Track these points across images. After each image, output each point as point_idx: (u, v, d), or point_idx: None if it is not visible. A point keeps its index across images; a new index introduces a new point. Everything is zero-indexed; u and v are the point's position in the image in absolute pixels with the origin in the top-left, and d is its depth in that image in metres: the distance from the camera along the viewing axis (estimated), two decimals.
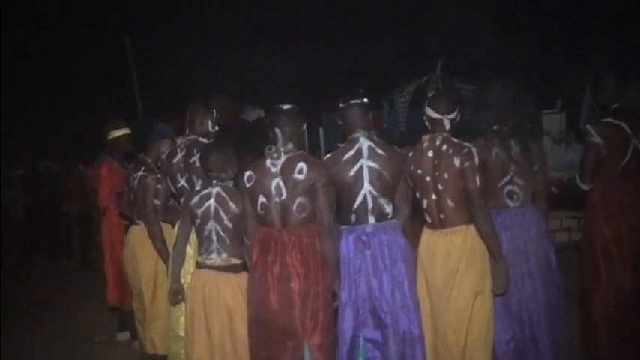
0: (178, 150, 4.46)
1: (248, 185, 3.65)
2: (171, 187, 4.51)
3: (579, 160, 4.33)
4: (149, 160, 4.80)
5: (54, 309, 7.78)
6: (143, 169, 4.73)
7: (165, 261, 4.40)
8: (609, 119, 4.18)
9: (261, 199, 3.60)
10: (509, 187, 3.89)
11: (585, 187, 4.22)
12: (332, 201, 3.61)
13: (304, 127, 3.78)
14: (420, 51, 13.09)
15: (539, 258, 3.88)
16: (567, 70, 8.79)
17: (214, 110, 4.55)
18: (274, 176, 3.58)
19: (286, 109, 3.68)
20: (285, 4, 14.70)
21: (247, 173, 3.66)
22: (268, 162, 3.62)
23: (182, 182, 4.43)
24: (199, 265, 3.89)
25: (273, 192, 3.57)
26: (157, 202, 4.53)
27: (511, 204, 3.90)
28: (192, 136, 4.46)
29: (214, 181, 3.90)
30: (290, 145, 3.64)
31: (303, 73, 14.28)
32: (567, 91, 7.76)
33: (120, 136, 5.85)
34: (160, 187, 4.54)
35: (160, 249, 4.49)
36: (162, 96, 14.15)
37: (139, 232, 4.83)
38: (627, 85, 4.41)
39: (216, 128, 4.54)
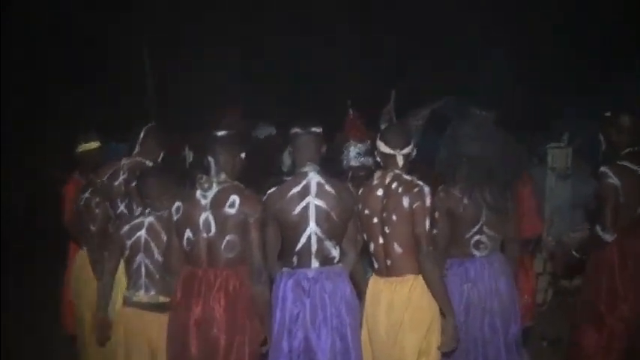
0: (121, 172, 4.17)
1: (176, 217, 3.33)
2: (110, 211, 4.21)
3: (597, 208, 3.95)
4: (98, 181, 4.46)
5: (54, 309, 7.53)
6: (90, 190, 4.43)
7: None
8: (626, 163, 3.79)
9: (188, 233, 3.28)
10: (477, 237, 3.55)
11: (609, 238, 3.76)
12: (272, 240, 3.33)
13: (242, 155, 3.44)
14: (439, 73, 12.74)
15: (506, 314, 3.52)
16: (576, 103, 8.34)
17: (165, 138, 4.39)
18: (203, 209, 3.26)
19: (220, 136, 3.37)
20: (305, 27, 14.48)
21: (176, 204, 3.35)
22: (198, 193, 3.30)
23: (122, 207, 4.13)
24: (125, 302, 3.59)
25: (201, 226, 3.25)
26: (92, 227, 4.24)
27: (478, 253, 3.55)
28: (139, 158, 4.19)
29: (147, 210, 3.60)
30: (223, 175, 3.32)
31: (317, 93, 14.02)
32: (575, 125, 7.29)
33: (90, 150, 5.48)
34: (97, 211, 4.25)
35: (98, 277, 4.13)
36: (176, 109, 13.98)
37: (84, 257, 4.51)
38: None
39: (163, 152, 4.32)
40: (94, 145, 5.36)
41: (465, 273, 3.50)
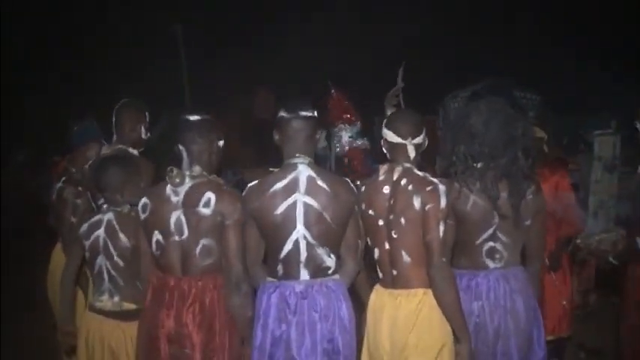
0: None
1: (143, 216, 2.85)
2: (92, 203, 3.75)
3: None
4: (73, 170, 4.03)
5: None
6: (63, 179, 3.99)
7: (83, 288, 3.63)
8: None
9: (157, 235, 2.80)
10: (490, 244, 2.90)
11: None
12: (253, 243, 2.83)
13: (220, 143, 2.94)
14: (479, 54, 12.13)
15: (523, 339, 2.89)
16: (626, 87, 7.65)
17: (146, 113, 3.80)
18: (175, 207, 2.78)
19: (193, 122, 2.86)
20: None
21: (142, 201, 2.87)
22: (169, 188, 2.81)
23: (103, 200, 3.64)
24: (89, 307, 3.16)
25: (172, 228, 2.77)
26: (73, 219, 3.78)
27: (491, 264, 2.91)
28: (120, 146, 3.70)
29: (105, 206, 3.15)
30: (197, 168, 2.82)
31: (354, 72, 13.49)
32: (625, 111, 6.64)
33: None
34: (79, 201, 3.82)
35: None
36: (211, 87, 13.67)
37: (60, 252, 4.07)
38: None
39: (148, 135, 3.79)
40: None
41: (476, 289, 2.90)
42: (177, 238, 2.76)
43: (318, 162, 3.13)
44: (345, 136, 4.42)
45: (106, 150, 3.73)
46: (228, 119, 11.31)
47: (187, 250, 2.75)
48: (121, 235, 3.03)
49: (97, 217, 3.13)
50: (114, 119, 3.74)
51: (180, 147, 2.84)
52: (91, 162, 3.78)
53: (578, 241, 3.83)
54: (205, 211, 2.72)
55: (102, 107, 4.20)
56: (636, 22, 10.85)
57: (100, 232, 3.07)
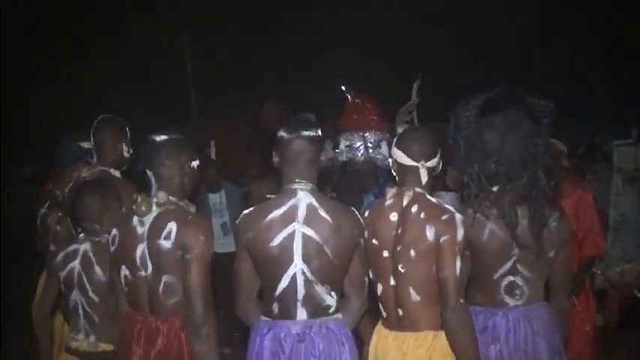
0: None
1: (112, 249, 2.57)
2: (72, 230, 3.42)
3: None
4: (57, 193, 3.68)
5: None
6: (48, 204, 3.70)
7: (66, 317, 3.32)
8: None
9: (124, 270, 2.53)
10: (509, 279, 2.56)
11: None
12: (246, 278, 2.52)
13: (193, 164, 2.61)
14: (491, 61, 11.87)
15: None
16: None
17: (127, 129, 3.49)
18: (140, 240, 2.48)
19: (161, 142, 2.53)
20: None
21: (113, 232, 2.59)
22: (135, 219, 2.51)
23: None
24: (65, 349, 2.89)
25: (138, 262, 2.48)
26: (52, 247, 3.45)
27: (511, 302, 2.57)
28: (100, 167, 3.40)
29: (81, 235, 2.88)
30: (161, 195, 2.49)
31: (364, 79, 13.26)
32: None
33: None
34: (59, 228, 3.51)
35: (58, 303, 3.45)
36: (218, 99, 13.48)
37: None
38: None
39: (131, 152, 3.49)
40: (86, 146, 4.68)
41: (493, 330, 2.55)
42: (143, 273, 2.48)
43: (323, 176, 2.83)
44: (359, 144, 4.09)
45: (86, 172, 3.41)
46: (235, 130, 11.12)
47: (152, 287, 2.47)
48: (97, 269, 2.77)
49: (73, 247, 2.87)
50: (92, 138, 3.45)
51: (148, 171, 2.53)
52: (69, 186, 3.44)
53: (599, 272, 3.51)
54: (165, 244, 2.41)
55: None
56: None
57: (76, 263, 2.81)
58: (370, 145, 4.18)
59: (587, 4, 11.26)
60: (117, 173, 3.39)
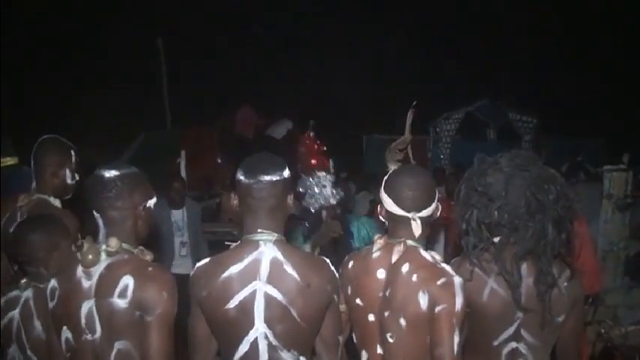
0: (18, 215, 2.94)
1: (50, 305, 2.11)
2: (10, 268, 2.91)
3: None
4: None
5: None
6: None
7: None
8: None
9: (66, 332, 2.06)
10: (511, 346, 2.19)
11: None
12: (201, 340, 2.13)
13: (150, 203, 2.18)
14: (477, 74, 11.79)
15: None
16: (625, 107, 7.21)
17: (72, 152, 3.06)
18: (86, 296, 2.03)
19: (109, 179, 2.07)
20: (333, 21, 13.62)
21: (51, 283, 2.11)
22: (80, 269, 2.06)
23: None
24: None
25: (84, 323, 2.02)
26: None
27: None
28: (38, 195, 2.96)
29: (23, 281, 2.44)
30: (113, 242, 2.05)
31: (347, 93, 13.12)
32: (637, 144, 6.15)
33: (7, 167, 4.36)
34: None
35: None
36: (193, 105, 13.21)
37: None
38: None
39: (77, 178, 3.05)
40: (10, 161, 4.24)
41: None
42: (89, 337, 2.02)
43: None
44: (325, 185, 3.82)
45: (22, 201, 2.97)
46: (209, 137, 10.77)
47: (101, 354, 2.01)
48: (37, 323, 2.35)
49: (14, 293, 2.43)
50: (32, 162, 3.00)
51: (95, 213, 2.10)
52: (5, 218, 2.95)
53: (603, 331, 3.20)
54: (120, 303, 1.98)
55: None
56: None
57: (15, 313, 2.38)
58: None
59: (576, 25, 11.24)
60: (57, 202, 2.95)
